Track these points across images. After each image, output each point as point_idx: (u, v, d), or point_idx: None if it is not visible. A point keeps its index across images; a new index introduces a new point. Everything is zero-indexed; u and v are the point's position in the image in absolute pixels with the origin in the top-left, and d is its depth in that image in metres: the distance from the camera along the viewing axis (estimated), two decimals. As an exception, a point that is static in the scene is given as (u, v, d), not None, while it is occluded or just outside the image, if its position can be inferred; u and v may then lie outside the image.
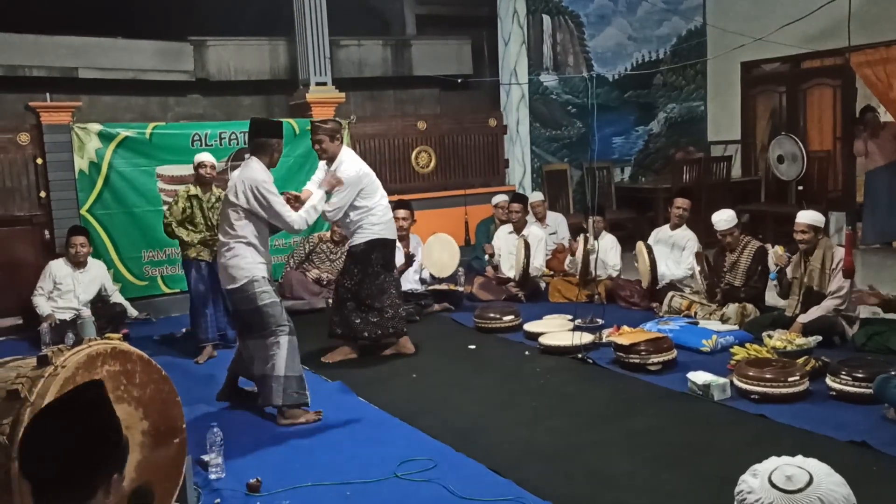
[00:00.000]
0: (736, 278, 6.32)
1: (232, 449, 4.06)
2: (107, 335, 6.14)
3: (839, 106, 9.61)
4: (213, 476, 3.86)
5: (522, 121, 9.80)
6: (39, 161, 7.29)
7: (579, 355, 5.57)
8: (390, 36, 10.42)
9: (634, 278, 7.34)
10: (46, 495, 1.64)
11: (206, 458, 3.91)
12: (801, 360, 4.85)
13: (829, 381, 4.56)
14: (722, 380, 4.70)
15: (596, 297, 6.90)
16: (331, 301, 6.67)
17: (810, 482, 1.64)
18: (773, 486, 1.66)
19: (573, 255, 7.68)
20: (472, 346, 6.18)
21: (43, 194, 7.33)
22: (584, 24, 10.35)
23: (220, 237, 4.78)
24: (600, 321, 6.11)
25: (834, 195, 9.49)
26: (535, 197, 8.77)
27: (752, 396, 4.54)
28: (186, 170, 7.49)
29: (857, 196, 9.34)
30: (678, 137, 10.98)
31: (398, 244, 7.27)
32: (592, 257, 6.81)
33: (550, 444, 4.16)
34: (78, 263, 6.84)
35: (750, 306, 6.17)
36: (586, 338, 5.73)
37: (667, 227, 7.35)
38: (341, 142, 5.64)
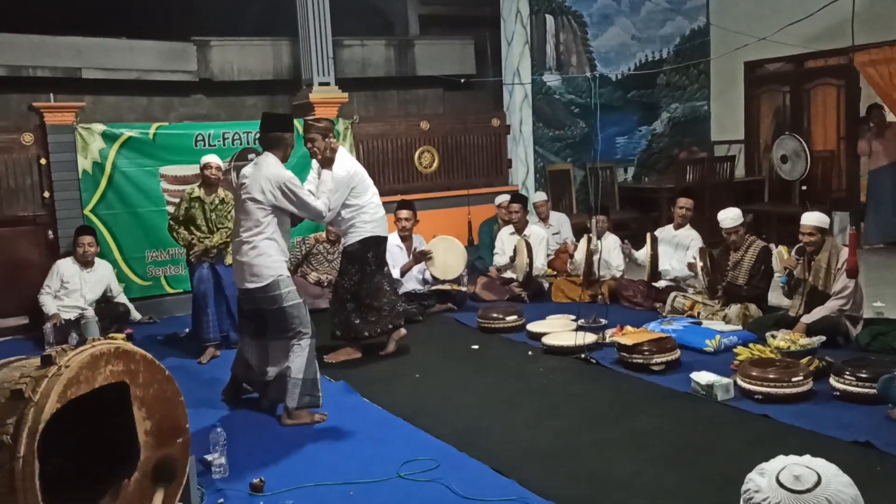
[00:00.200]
0: (739, 277, 6.31)
1: (235, 449, 4.06)
2: (110, 335, 6.16)
3: (843, 105, 9.59)
4: (216, 476, 3.87)
5: (525, 121, 9.79)
6: (43, 161, 7.31)
7: (582, 355, 5.56)
8: (393, 36, 10.42)
9: (638, 278, 7.34)
10: (55, 496, 1.65)
11: (209, 457, 3.91)
12: (804, 361, 4.84)
13: (832, 381, 4.55)
14: (725, 380, 4.69)
15: (599, 297, 6.90)
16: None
17: (819, 482, 1.62)
18: (781, 485, 1.64)
19: (572, 257, 7.68)
20: (476, 347, 6.18)
21: (47, 194, 7.35)
22: (588, 23, 10.35)
23: (241, 235, 4.66)
24: (603, 321, 6.11)
25: (838, 195, 9.48)
26: (539, 197, 8.77)
27: (756, 396, 4.53)
28: (190, 170, 7.52)
29: (861, 196, 9.33)
30: (681, 137, 10.97)
31: (401, 245, 7.29)
32: (595, 258, 6.81)
33: (553, 444, 4.16)
34: (86, 263, 6.87)
35: (753, 306, 6.17)
36: (589, 338, 5.73)
37: (670, 226, 7.35)
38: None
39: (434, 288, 7.49)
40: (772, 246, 6.35)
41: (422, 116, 9.48)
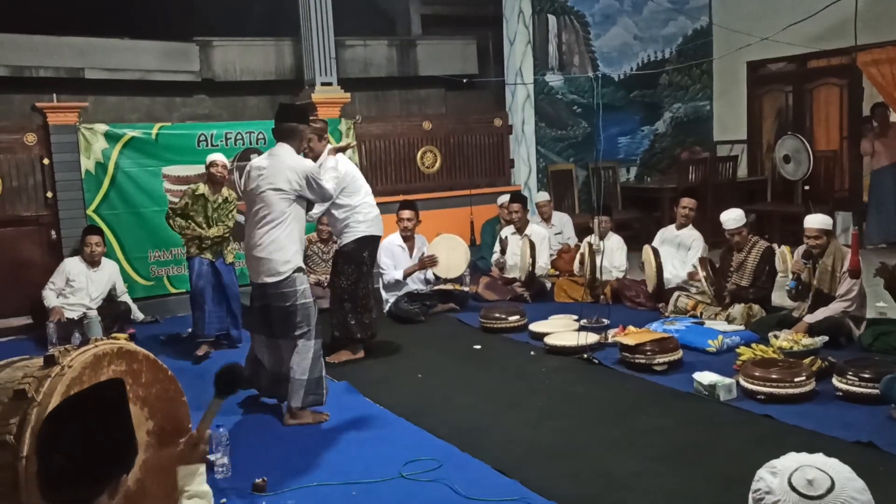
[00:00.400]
0: (743, 278, 6.30)
1: (238, 449, 4.07)
2: (113, 335, 6.19)
3: (846, 105, 9.58)
4: (219, 476, 3.87)
5: (528, 121, 9.79)
6: (46, 161, 7.32)
7: (585, 355, 5.56)
8: (396, 36, 10.42)
9: (640, 278, 7.33)
10: (53, 494, 1.65)
11: (212, 457, 3.91)
12: (807, 361, 4.84)
13: (835, 381, 4.54)
14: (728, 380, 4.69)
15: (601, 297, 6.89)
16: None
17: (832, 488, 1.58)
18: (793, 489, 1.59)
19: (582, 264, 7.62)
20: (478, 347, 6.18)
21: (49, 195, 7.36)
22: (590, 23, 10.34)
23: (258, 228, 4.58)
24: (606, 321, 6.11)
25: (840, 195, 9.47)
26: (541, 197, 8.77)
27: (759, 397, 4.53)
28: (193, 170, 7.53)
29: (864, 196, 9.32)
30: (684, 137, 10.96)
31: (403, 245, 7.29)
32: (598, 258, 6.80)
33: (556, 444, 4.16)
34: (93, 262, 6.91)
35: (756, 306, 6.16)
36: (592, 338, 5.73)
37: (672, 226, 7.34)
38: (328, 141, 5.68)
39: (436, 288, 7.49)
40: (775, 246, 6.34)
41: (424, 116, 9.48)
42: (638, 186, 10.57)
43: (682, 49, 10.86)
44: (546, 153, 10.08)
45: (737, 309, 6.16)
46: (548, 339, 5.90)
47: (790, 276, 5.84)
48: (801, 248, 5.76)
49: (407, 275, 7.18)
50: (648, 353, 5.24)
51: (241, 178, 7.80)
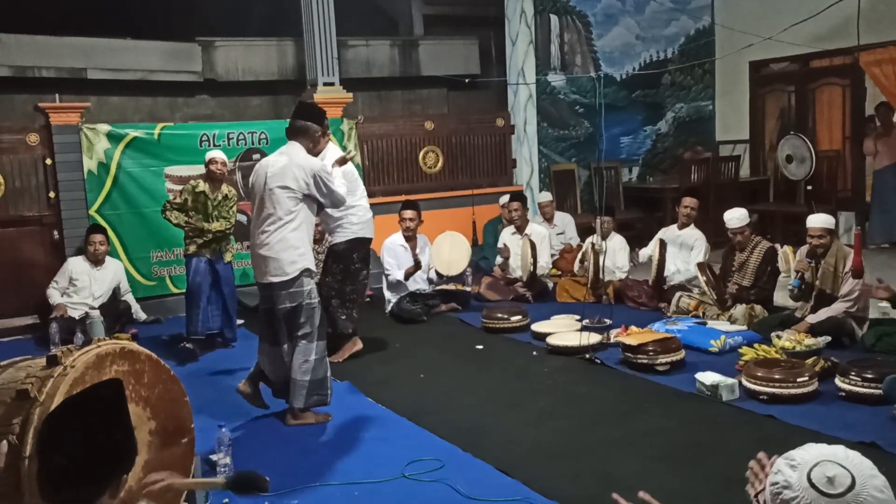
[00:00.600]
0: (745, 278, 6.30)
1: (240, 449, 4.07)
2: (115, 335, 6.19)
3: (848, 105, 9.57)
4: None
5: (530, 121, 9.78)
6: (49, 161, 7.33)
7: (587, 356, 5.56)
8: (398, 36, 10.42)
9: (643, 278, 7.33)
10: (55, 492, 1.65)
11: (214, 457, 3.92)
12: (810, 361, 4.84)
13: (838, 381, 4.54)
14: (730, 380, 4.69)
15: (604, 297, 6.89)
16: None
17: (852, 486, 1.55)
18: (812, 485, 1.56)
19: (583, 263, 7.64)
20: (480, 347, 6.18)
21: (52, 195, 7.37)
22: (592, 23, 10.33)
23: (265, 227, 4.54)
24: (608, 321, 6.10)
25: (843, 195, 9.46)
26: (544, 197, 8.77)
27: (761, 397, 4.53)
28: (195, 170, 7.53)
29: (867, 195, 9.30)
30: (686, 137, 10.94)
31: (406, 245, 7.29)
32: (601, 258, 6.80)
33: (558, 444, 4.16)
34: (96, 261, 6.93)
35: (758, 307, 6.15)
36: (594, 338, 5.72)
37: (674, 226, 7.34)
38: (328, 139, 5.68)
39: (438, 288, 7.50)
40: (777, 246, 6.34)
41: (426, 116, 9.48)
42: (640, 186, 10.56)
43: (685, 49, 10.85)
44: (548, 153, 10.08)
45: (739, 309, 6.15)
46: (550, 340, 5.90)
47: (793, 275, 5.84)
48: (805, 248, 5.76)
49: (407, 276, 7.18)
50: (651, 354, 5.24)
51: (242, 177, 7.86)
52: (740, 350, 5.32)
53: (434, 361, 5.85)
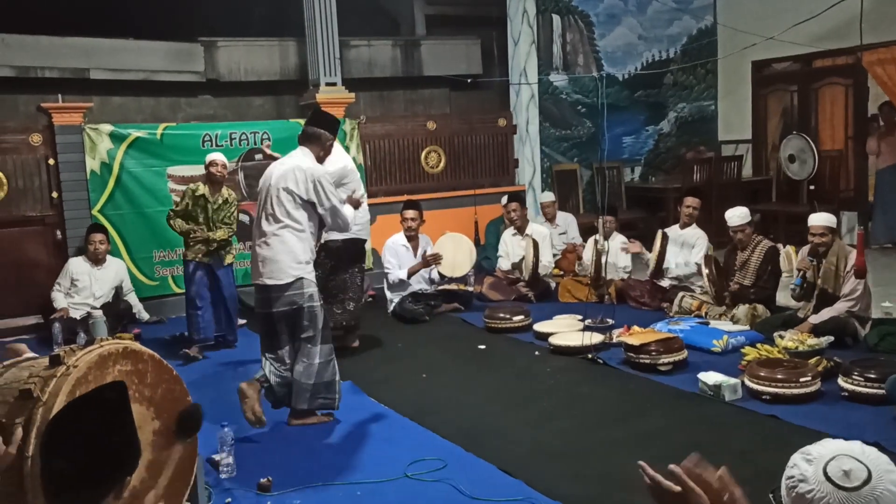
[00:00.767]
0: (746, 277, 6.29)
1: (243, 449, 4.08)
2: (118, 335, 6.20)
3: (851, 105, 9.56)
4: (224, 476, 3.88)
5: (532, 121, 9.78)
6: (51, 162, 7.34)
7: (589, 355, 5.56)
8: (400, 36, 10.42)
9: (645, 278, 7.33)
10: (59, 495, 1.65)
11: (217, 457, 3.92)
12: (812, 361, 4.83)
13: (841, 381, 4.53)
14: (733, 380, 4.68)
15: (606, 297, 6.88)
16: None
17: (868, 480, 1.54)
18: (828, 479, 1.56)
19: (580, 259, 7.67)
20: (482, 347, 6.18)
21: (55, 195, 7.38)
22: (594, 23, 10.33)
23: (265, 227, 4.54)
24: (610, 321, 6.10)
25: (846, 195, 9.45)
26: (546, 197, 8.77)
27: (764, 397, 4.52)
28: (197, 170, 7.53)
29: (869, 195, 9.30)
30: (689, 137, 10.94)
31: (408, 244, 7.30)
32: (603, 258, 6.80)
33: (560, 444, 4.16)
34: (97, 261, 6.92)
35: (761, 307, 6.15)
36: (596, 338, 5.72)
37: (677, 226, 7.34)
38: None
39: (440, 288, 7.49)
40: (779, 246, 6.33)
41: (428, 116, 9.48)
42: (642, 186, 10.56)
43: (687, 49, 10.84)
44: (550, 153, 10.07)
45: (741, 309, 6.15)
46: (552, 339, 5.90)
47: (795, 273, 5.84)
48: (807, 247, 5.76)
49: (411, 274, 7.18)
50: (653, 354, 5.24)
51: (244, 177, 7.86)
52: (743, 350, 5.32)
53: (436, 361, 5.85)
